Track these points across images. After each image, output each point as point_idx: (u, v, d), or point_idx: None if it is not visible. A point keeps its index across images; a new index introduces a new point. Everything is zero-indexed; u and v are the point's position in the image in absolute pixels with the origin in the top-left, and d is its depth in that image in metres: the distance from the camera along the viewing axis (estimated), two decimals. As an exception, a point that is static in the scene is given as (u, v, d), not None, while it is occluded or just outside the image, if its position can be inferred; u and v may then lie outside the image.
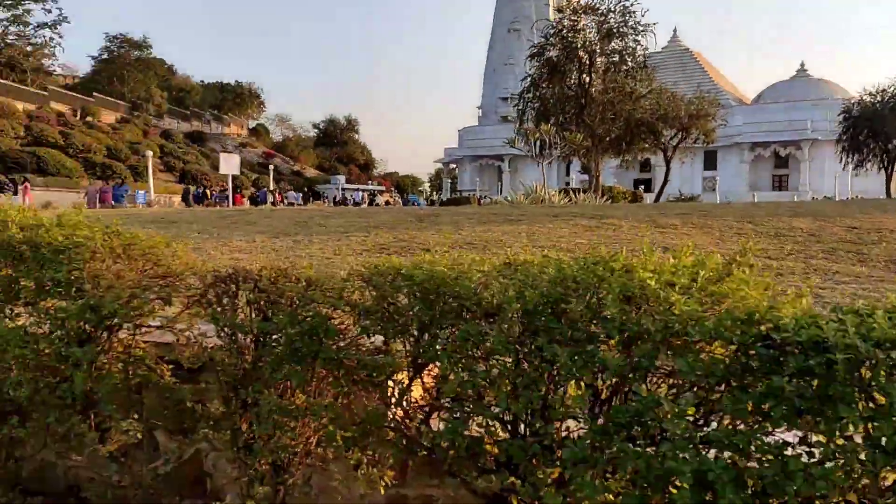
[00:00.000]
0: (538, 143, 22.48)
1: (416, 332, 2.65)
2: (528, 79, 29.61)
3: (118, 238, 3.37)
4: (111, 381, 3.06)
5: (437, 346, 2.53)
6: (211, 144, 65.71)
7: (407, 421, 2.67)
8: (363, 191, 58.83)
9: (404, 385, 2.68)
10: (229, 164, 29.09)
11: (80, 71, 68.39)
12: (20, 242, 3.24)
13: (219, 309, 2.98)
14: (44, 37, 56.15)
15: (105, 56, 64.76)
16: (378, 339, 2.80)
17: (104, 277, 3.10)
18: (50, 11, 63.40)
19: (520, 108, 30.06)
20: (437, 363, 2.53)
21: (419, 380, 2.71)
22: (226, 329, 2.94)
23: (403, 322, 2.65)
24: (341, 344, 2.76)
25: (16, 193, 26.14)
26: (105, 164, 38.88)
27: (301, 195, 47.47)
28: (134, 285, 3.09)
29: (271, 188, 42.97)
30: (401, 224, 9.60)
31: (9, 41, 55.71)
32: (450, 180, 75.18)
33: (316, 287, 2.83)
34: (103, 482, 3.38)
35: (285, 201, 40.28)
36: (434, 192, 79.63)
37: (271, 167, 51.87)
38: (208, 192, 38.86)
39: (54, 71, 62.64)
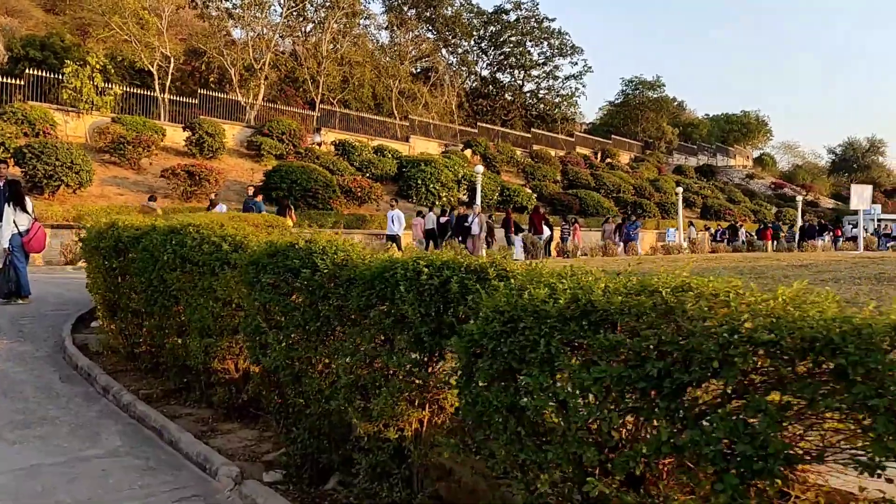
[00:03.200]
0: None
1: None
2: None
3: None
4: None
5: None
6: (720, 177, 63.20)
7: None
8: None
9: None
10: (862, 198, 25.46)
11: (587, 118, 73.17)
12: None
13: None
14: (570, 88, 61.50)
15: (620, 100, 67.93)
16: None
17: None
18: (576, 64, 69.78)
19: None
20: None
21: None
22: None
23: None
24: None
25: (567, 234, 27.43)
26: (636, 203, 39.37)
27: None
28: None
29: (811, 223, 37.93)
30: None
31: (540, 96, 62.50)
32: None
33: None
34: None
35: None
36: None
37: (800, 199, 46.46)
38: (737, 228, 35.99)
39: (574, 119, 68.18)
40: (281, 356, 3.93)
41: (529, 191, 34.35)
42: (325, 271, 3.67)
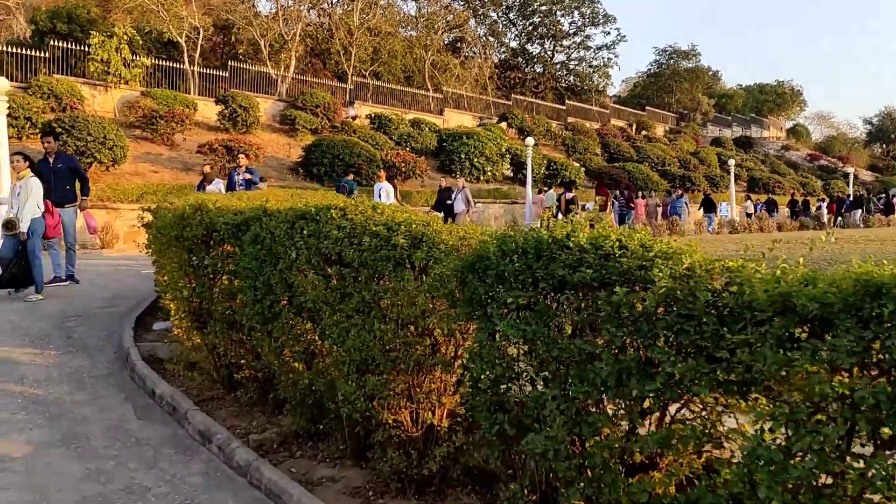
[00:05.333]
0: None
1: None
2: None
3: None
4: None
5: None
6: (757, 149, 60.71)
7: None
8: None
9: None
10: None
11: (617, 88, 70.48)
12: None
13: None
14: (602, 58, 58.91)
15: (654, 70, 65.31)
16: None
17: None
18: (609, 33, 67.07)
19: None
20: None
21: None
22: None
23: None
24: None
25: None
26: (683, 176, 37.35)
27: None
28: None
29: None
30: None
31: (571, 67, 60.05)
32: None
33: None
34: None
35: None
36: None
37: (851, 171, 44.20)
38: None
39: (606, 91, 65.57)
40: (561, 432, 2.31)
41: (577, 164, 32.52)
42: (661, 291, 2.05)
